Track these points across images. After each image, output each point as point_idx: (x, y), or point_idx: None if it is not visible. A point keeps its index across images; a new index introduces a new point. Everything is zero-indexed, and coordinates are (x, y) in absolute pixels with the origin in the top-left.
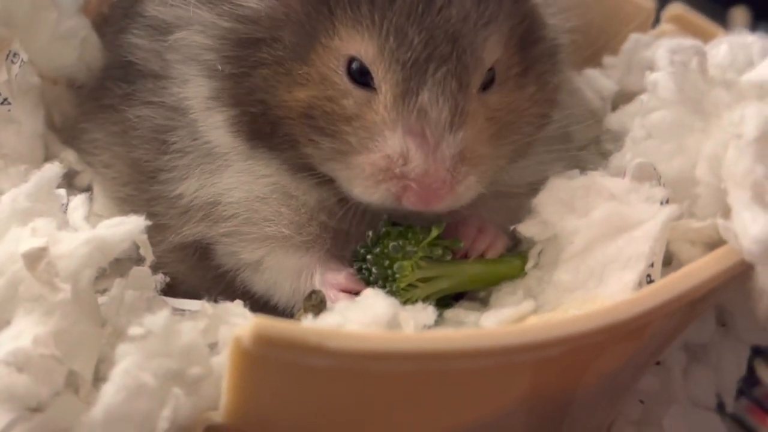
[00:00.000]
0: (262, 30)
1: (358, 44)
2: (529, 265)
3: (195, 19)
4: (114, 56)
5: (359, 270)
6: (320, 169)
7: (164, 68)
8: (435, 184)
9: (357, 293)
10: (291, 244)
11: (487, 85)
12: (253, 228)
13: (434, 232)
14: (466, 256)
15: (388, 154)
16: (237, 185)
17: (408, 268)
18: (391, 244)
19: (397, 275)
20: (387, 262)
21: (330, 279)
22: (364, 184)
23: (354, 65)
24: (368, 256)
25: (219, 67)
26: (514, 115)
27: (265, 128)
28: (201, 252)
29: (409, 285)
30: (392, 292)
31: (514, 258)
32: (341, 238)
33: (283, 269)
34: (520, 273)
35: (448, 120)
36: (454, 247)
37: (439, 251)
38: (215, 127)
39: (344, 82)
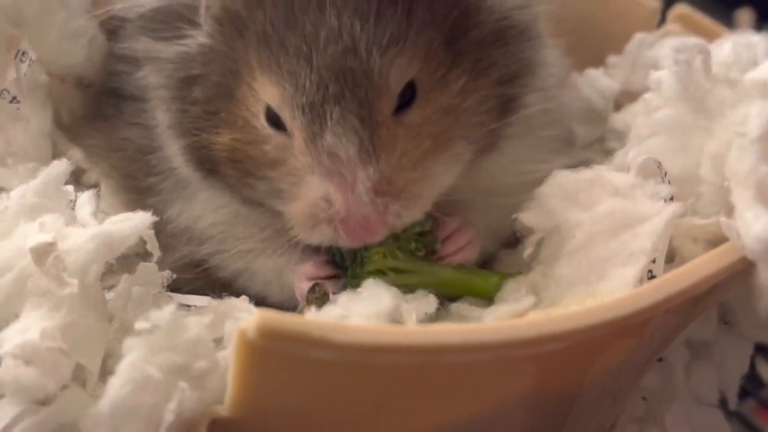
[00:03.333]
0: (197, 66)
1: (268, 89)
2: (526, 253)
3: (152, 55)
4: (106, 77)
5: (334, 258)
6: (263, 203)
7: (141, 91)
8: (362, 221)
9: (332, 277)
10: (268, 252)
11: (408, 102)
12: (230, 246)
13: (416, 228)
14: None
15: (313, 200)
16: (203, 213)
17: (379, 253)
18: None
19: (365, 258)
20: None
21: (301, 271)
22: (305, 230)
23: (271, 110)
24: None
25: (165, 105)
26: (448, 118)
27: (206, 165)
28: (199, 265)
29: (379, 271)
30: (357, 275)
31: (494, 275)
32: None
33: (267, 270)
34: (494, 291)
35: (356, 157)
36: (429, 246)
37: (412, 245)
38: (174, 154)
39: (264, 126)
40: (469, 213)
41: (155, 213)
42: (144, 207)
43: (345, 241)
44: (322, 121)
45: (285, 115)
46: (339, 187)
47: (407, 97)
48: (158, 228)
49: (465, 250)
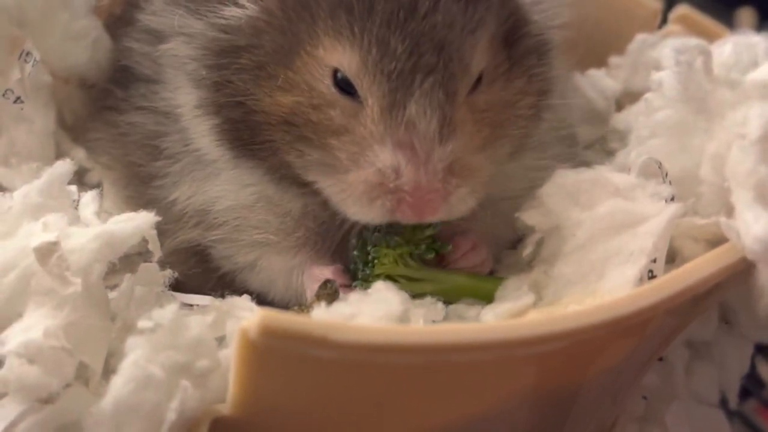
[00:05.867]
0: (244, 38)
1: (341, 56)
2: (526, 251)
3: (181, 30)
4: (115, 59)
5: (353, 264)
6: (304, 177)
7: (157, 72)
8: (428, 196)
9: (347, 287)
10: (281, 247)
11: (474, 87)
12: (243, 235)
13: (428, 231)
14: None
15: (380, 168)
16: (224, 194)
17: (389, 256)
18: (375, 234)
19: (375, 260)
20: (369, 248)
21: (317, 274)
22: (359, 203)
23: (339, 75)
24: (354, 241)
25: (202, 74)
26: (504, 112)
27: (245, 135)
28: (199, 255)
29: (389, 278)
30: (366, 277)
31: (502, 280)
32: (331, 237)
33: (276, 269)
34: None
35: (437, 132)
36: (441, 251)
37: (423, 247)
38: (202, 135)
39: (331, 91)
40: (474, 221)
41: (157, 199)
42: (146, 195)
43: (404, 214)
44: (408, 90)
45: (362, 82)
46: (411, 159)
47: (476, 80)
48: (162, 211)
49: (482, 267)
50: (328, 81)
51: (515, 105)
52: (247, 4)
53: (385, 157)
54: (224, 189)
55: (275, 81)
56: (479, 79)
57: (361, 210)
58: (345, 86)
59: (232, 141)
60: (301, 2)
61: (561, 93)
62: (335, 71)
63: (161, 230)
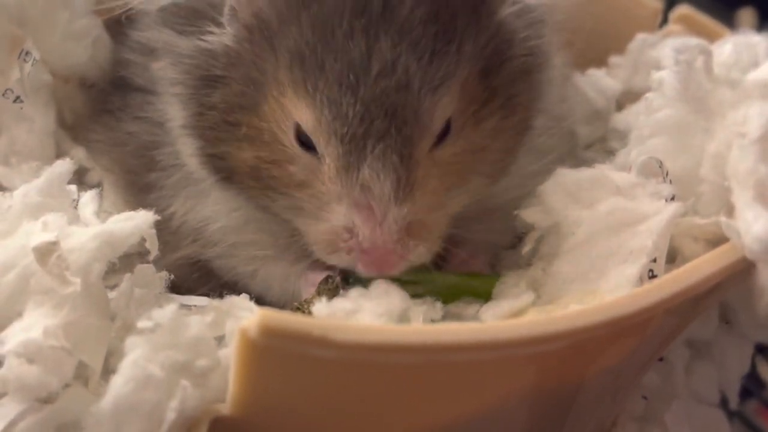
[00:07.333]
0: (220, 66)
1: (300, 111)
2: (525, 249)
3: (170, 49)
4: (113, 67)
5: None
6: (281, 216)
7: (152, 83)
8: (385, 256)
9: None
10: (279, 258)
11: (441, 137)
12: (240, 251)
13: None
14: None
15: (336, 228)
16: (216, 215)
17: None
18: None
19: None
20: None
21: (311, 279)
22: (324, 251)
23: (301, 130)
24: None
25: (185, 100)
26: (475, 157)
27: (222, 173)
28: (201, 264)
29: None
30: (362, 282)
31: (494, 277)
32: None
33: (274, 277)
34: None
35: (392, 194)
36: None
37: None
38: (189, 154)
39: (293, 145)
40: (470, 227)
41: (156, 210)
42: (144, 205)
43: (364, 270)
44: (361, 153)
45: (319, 140)
46: (366, 221)
47: (442, 132)
48: (160, 225)
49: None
50: (291, 135)
51: (488, 148)
52: (226, 27)
53: (340, 216)
54: (215, 210)
55: (239, 130)
56: (448, 128)
57: (324, 257)
58: (306, 141)
59: (213, 170)
60: (266, 39)
61: (559, 96)
62: (298, 126)
63: (162, 243)
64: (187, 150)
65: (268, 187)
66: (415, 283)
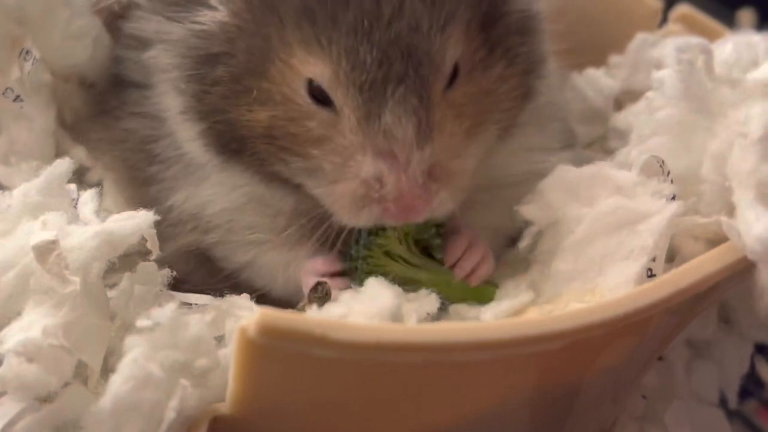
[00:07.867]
0: (218, 44)
1: (313, 66)
2: (523, 245)
3: (162, 36)
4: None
5: (354, 239)
6: (294, 181)
7: (147, 77)
8: (411, 202)
9: (340, 274)
10: (275, 243)
11: (451, 81)
12: (236, 236)
13: (430, 227)
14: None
15: (363, 179)
16: (214, 197)
17: (391, 237)
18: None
19: (378, 234)
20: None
21: (308, 267)
22: (348, 211)
23: (314, 85)
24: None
25: (183, 84)
26: (485, 100)
27: (232, 145)
28: (202, 256)
29: (389, 255)
30: (369, 245)
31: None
32: (326, 230)
33: (274, 264)
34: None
35: (414, 137)
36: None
37: (432, 231)
38: (190, 139)
39: (307, 103)
40: (473, 211)
41: (156, 202)
42: (146, 199)
43: (390, 219)
44: (381, 99)
45: (336, 93)
46: (392, 168)
47: (452, 74)
48: (161, 215)
49: (481, 268)
50: (304, 92)
51: (496, 92)
52: (219, 6)
53: (366, 167)
54: (214, 192)
55: (250, 95)
56: (456, 71)
57: (350, 217)
58: (321, 96)
59: (219, 147)
60: (268, 5)
61: (558, 85)
62: (310, 81)
63: (162, 235)
64: (187, 135)
65: (283, 149)
66: (418, 267)
